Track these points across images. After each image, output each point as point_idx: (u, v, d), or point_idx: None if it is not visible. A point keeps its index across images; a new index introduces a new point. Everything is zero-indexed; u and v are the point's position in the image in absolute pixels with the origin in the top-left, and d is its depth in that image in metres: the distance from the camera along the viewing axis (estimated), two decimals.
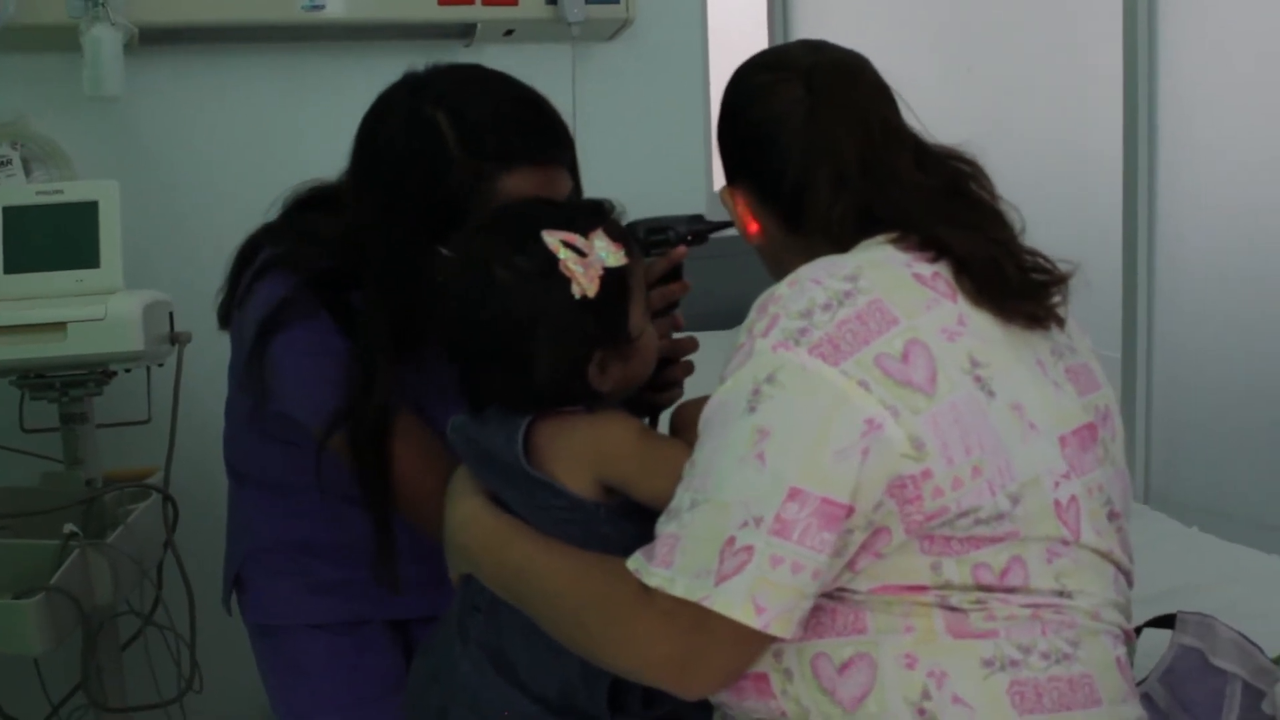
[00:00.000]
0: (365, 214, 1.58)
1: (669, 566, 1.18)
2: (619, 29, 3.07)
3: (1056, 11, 2.66)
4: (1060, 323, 1.34)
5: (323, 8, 2.76)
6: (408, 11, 2.85)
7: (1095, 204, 2.56)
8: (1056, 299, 1.34)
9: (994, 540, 1.20)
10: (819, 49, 1.44)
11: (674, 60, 3.19)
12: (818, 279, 1.25)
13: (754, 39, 3.43)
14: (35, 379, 2.31)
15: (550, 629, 1.30)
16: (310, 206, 1.74)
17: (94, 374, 2.31)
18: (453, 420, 1.42)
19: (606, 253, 1.34)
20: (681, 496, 1.21)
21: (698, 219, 1.66)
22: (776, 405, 1.19)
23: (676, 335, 1.67)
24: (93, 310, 2.19)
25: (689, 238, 1.65)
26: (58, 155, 2.64)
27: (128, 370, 2.34)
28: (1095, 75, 2.53)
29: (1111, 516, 1.31)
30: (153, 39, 2.68)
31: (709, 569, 1.16)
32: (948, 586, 1.20)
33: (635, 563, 1.21)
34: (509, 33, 3.00)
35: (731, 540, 1.16)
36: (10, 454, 2.43)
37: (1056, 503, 1.23)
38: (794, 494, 1.15)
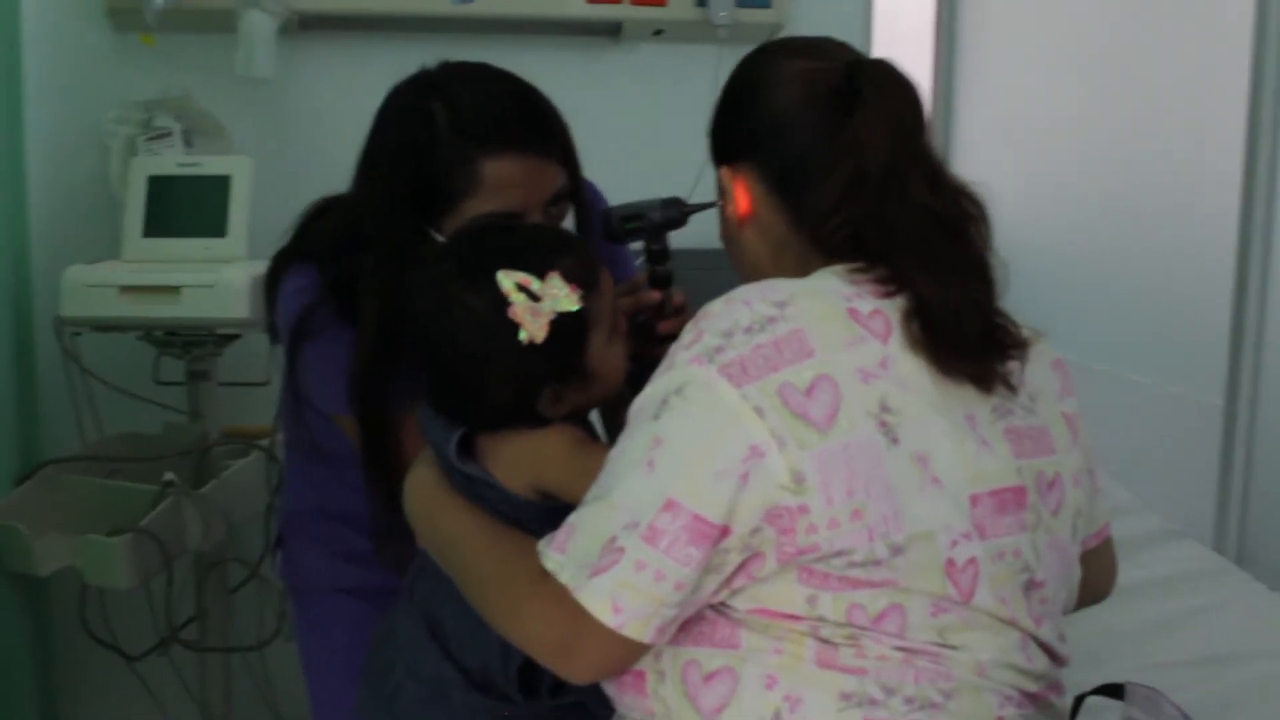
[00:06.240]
0: (362, 198, 1.68)
1: (563, 553, 1.23)
2: (769, 34, 3.08)
3: (1187, 38, 2.56)
4: (1010, 388, 1.30)
5: (471, 1, 2.87)
6: (555, 8, 2.94)
7: (1208, 245, 2.45)
8: (1012, 364, 1.31)
9: (871, 585, 1.20)
10: (849, 49, 1.42)
11: None
12: (749, 301, 1.26)
13: (919, 56, 3.37)
14: (163, 336, 2.50)
15: (465, 594, 1.36)
16: (319, 217, 1.82)
17: (212, 336, 2.49)
18: (419, 408, 1.50)
19: (560, 296, 1.36)
20: (591, 490, 1.25)
21: (674, 202, 1.65)
22: (675, 417, 1.22)
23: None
24: (205, 277, 2.37)
25: (665, 223, 1.65)
26: (217, 130, 2.82)
27: (238, 336, 2.51)
28: (1219, 126, 2.42)
29: (1031, 586, 1.27)
30: (311, 25, 2.85)
31: (589, 563, 1.20)
32: (822, 620, 1.20)
33: (542, 544, 1.26)
34: (658, 33, 3.06)
35: (613, 539, 1.20)
36: (142, 403, 2.61)
37: (949, 561, 1.21)
38: (669, 505, 1.18)
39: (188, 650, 2.62)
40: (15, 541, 2.28)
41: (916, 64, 3.39)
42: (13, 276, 2.49)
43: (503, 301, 1.35)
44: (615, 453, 1.25)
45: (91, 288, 2.37)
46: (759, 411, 1.19)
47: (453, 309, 1.37)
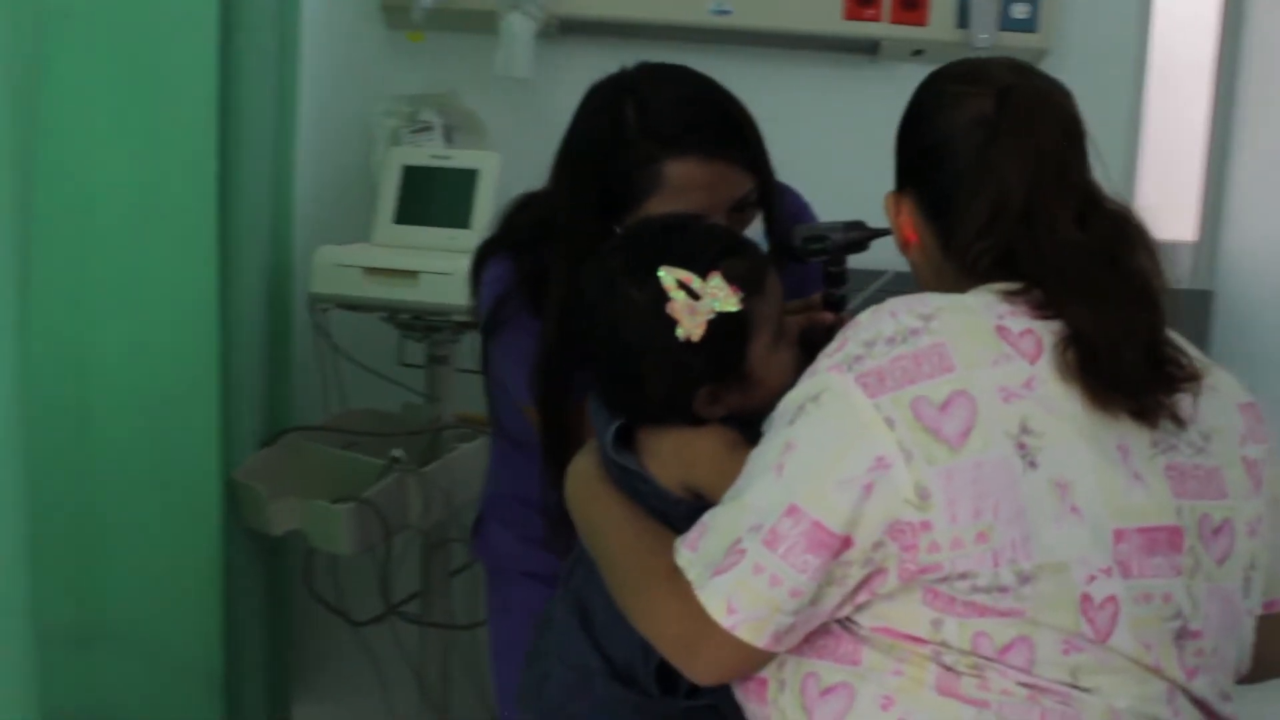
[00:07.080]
0: (556, 192, 1.73)
1: (693, 550, 1.25)
2: (1035, 59, 3.00)
3: None
4: (1178, 421, 1.25)
5: (729, 13, 2.89)
6: (812, 24, 2.91)
7: None
8: (1180, 396, 1.25)
9: (998, 613, 1.16)
10: (1021, 71, 1.40)
11: (1097, 100, 3.04)
12: (895, 312, 1.26)
13: (1196, 88, 3.21)
14: (407, 320, 2.61)
15: (607, 584, 1.39)
16: (521, 210, 1.87)
17: (449, 322, 2.59)
18: (591, 398, 1.53)
19: (720, 297, 1.38)
20: (728, 491, 1.27)
21: (856, 225, 1.66)
22: (808, 423, 1.23)
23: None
24: (444, 265, 2.46)
25: (846, 245, 1.65)
26: (476, 127, 2.93)
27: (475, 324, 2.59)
28: None
29: (1185, 635, 1.21)
30: (571, 29, 2.93)
31: (714, 562, 1.22)
32: (945, 645, 1.18)
33: (678, 541, 1.28)
34: (917, 53, 3.02)
35: (738, 540, 1.21)
36: (385, 382, 2.74)
37: (1085, 596, 1.17)
38: (791, 510, 1.19)
39: (409, 624, 2.73)
40: (253, 501, 2.43)
41: (1193, 97, 3.24)
42: (275, 254, 2.64)
43: (663, 297, 1.37)
44: (754, 455, 1.27)
45: (340, 267, 2.50)
46: (889, 423, 1.18)
47: (616, 301, 1.40)
